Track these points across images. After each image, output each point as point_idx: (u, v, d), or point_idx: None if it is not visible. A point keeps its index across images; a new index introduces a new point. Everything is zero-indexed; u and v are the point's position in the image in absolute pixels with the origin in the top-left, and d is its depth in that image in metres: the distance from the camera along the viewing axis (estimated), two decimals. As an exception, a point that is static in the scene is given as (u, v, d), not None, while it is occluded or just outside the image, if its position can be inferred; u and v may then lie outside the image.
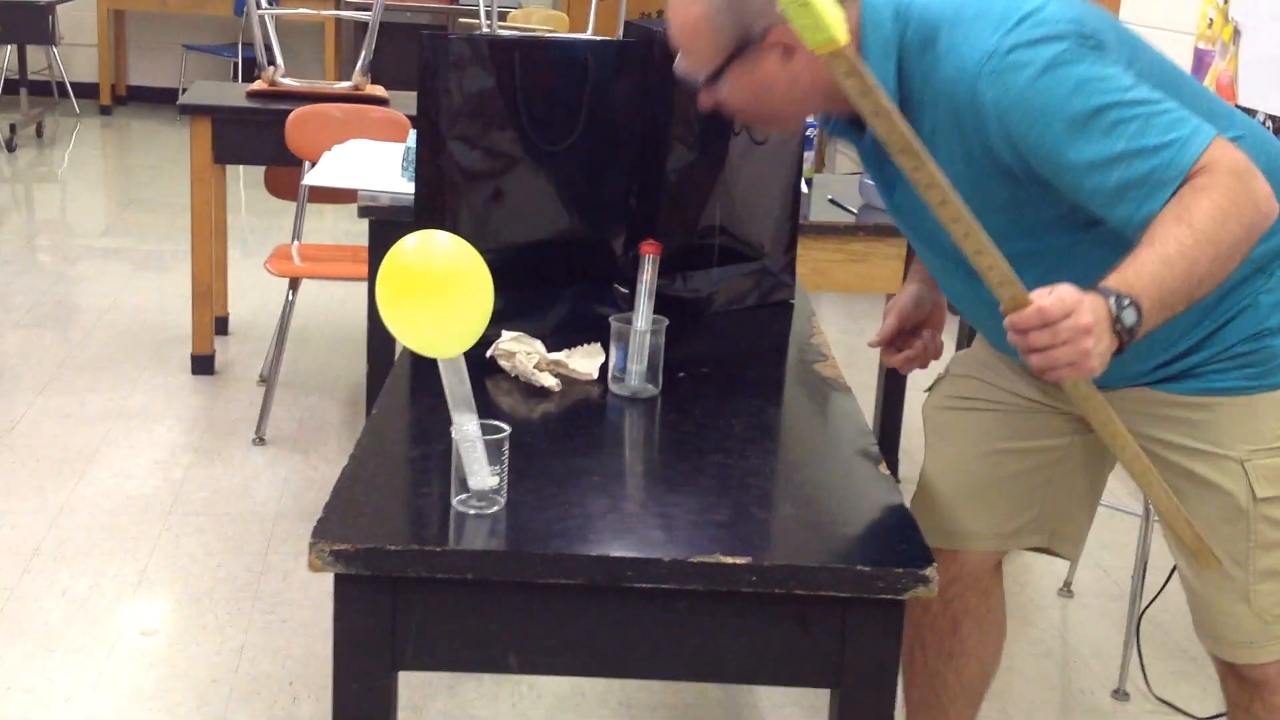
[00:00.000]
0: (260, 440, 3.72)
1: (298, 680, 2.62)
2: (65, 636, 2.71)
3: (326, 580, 2.94)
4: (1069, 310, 1.42)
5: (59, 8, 7.77)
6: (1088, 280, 1.46)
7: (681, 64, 1.72)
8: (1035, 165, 1.57)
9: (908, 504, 1.62)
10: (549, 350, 1.94)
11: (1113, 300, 1.44)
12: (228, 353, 4.41)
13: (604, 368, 1.95)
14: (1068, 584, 3.15)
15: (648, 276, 1.97)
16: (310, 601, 2.90)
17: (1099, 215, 1.57)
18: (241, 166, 6.05)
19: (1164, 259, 1.46)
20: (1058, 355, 1.43)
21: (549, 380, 1.89)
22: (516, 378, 1.91)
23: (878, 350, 2.07)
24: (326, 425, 3.88)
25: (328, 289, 4.95)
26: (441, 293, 1.41)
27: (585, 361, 1.96)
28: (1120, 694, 2.74)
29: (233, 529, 3.21)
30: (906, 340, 2.01)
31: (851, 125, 1.79)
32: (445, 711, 2.55)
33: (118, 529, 3.17)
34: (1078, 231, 1.65)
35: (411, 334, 1.45)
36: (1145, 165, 1.51)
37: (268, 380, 3.89)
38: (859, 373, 4.05)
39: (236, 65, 8.48)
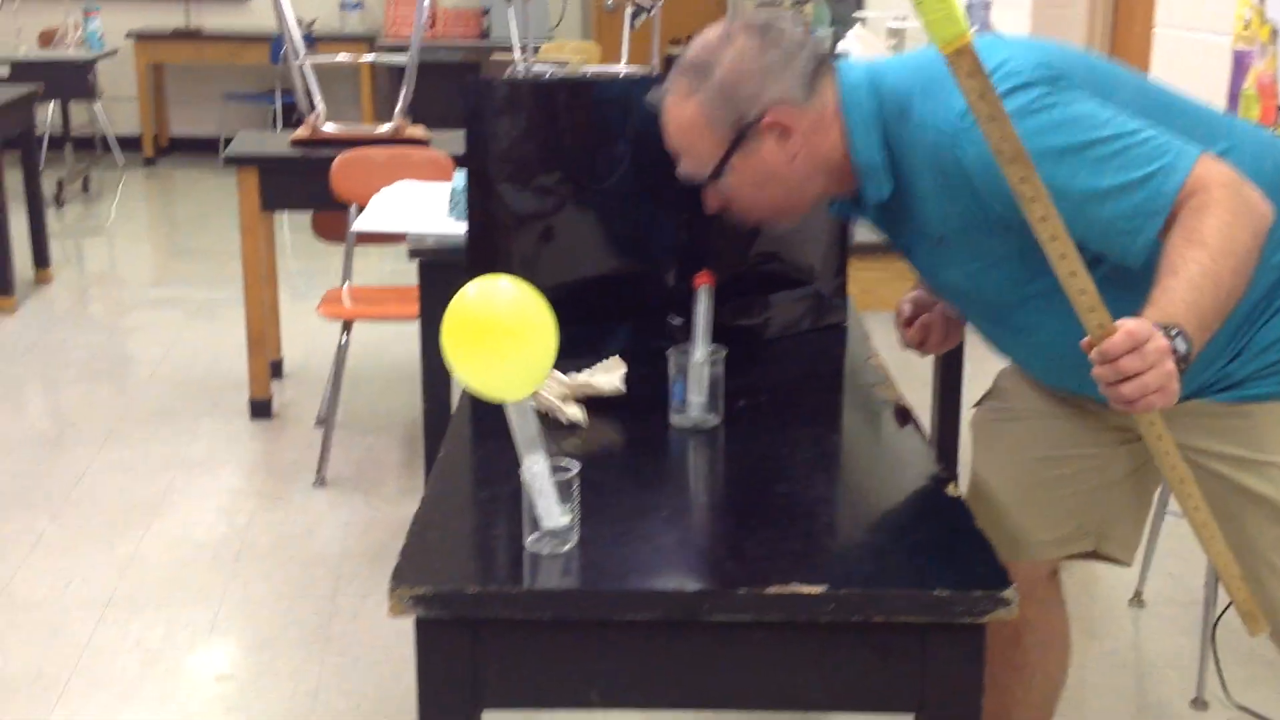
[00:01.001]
0: (321, 482, 3.76)
1: (372, 721, 2.64)
2: (143, 686, 2.75)
3: (395, 620, 2.98)
4: (1149, 334, 1.43)
5: (99, 64, 7.89)
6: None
7: (683, 168, 1.76)
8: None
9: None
10: (565, 373, 1.96)
11: (1161, 333, 1.45)
12: (284, 396, 4.46)
13: (626, 379, 1.98)
14: (1138, 594, 3.12)
15: (703, 307, 1.98)
16: (380, 642, 2.92)
17: (1098, 251, 1.59)
18: (286, 212, 6.12)
19: (1191, 283, 1.49)
20: (1149, 380, 1.44)
21: (576, 414, 1.90)
22: (545, 414, 1.93)
23: (929, 368, 2.10)
24: (385, 465, 3.91)
25: (377, 329, 4.99)
26: (507, 339, 1.43)
27: (608, 377, 1.98)
28: (1199, 703, 2.72)
29: (299, 572, 3.24)
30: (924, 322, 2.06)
31: (854, 204, 1.85)
32: (519, 747, 2.56)
33: (187, 577, 3.21)
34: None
35: (478, 380, 1.46)
36: (1133, 198, 1.56)
37: (325, 422, 3.93)
38: (912, 391, 4.03)
39: (275, 112, 8.58)
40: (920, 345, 2.08)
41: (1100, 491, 1.94)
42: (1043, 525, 1.95)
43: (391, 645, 2.90)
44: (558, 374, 1.96)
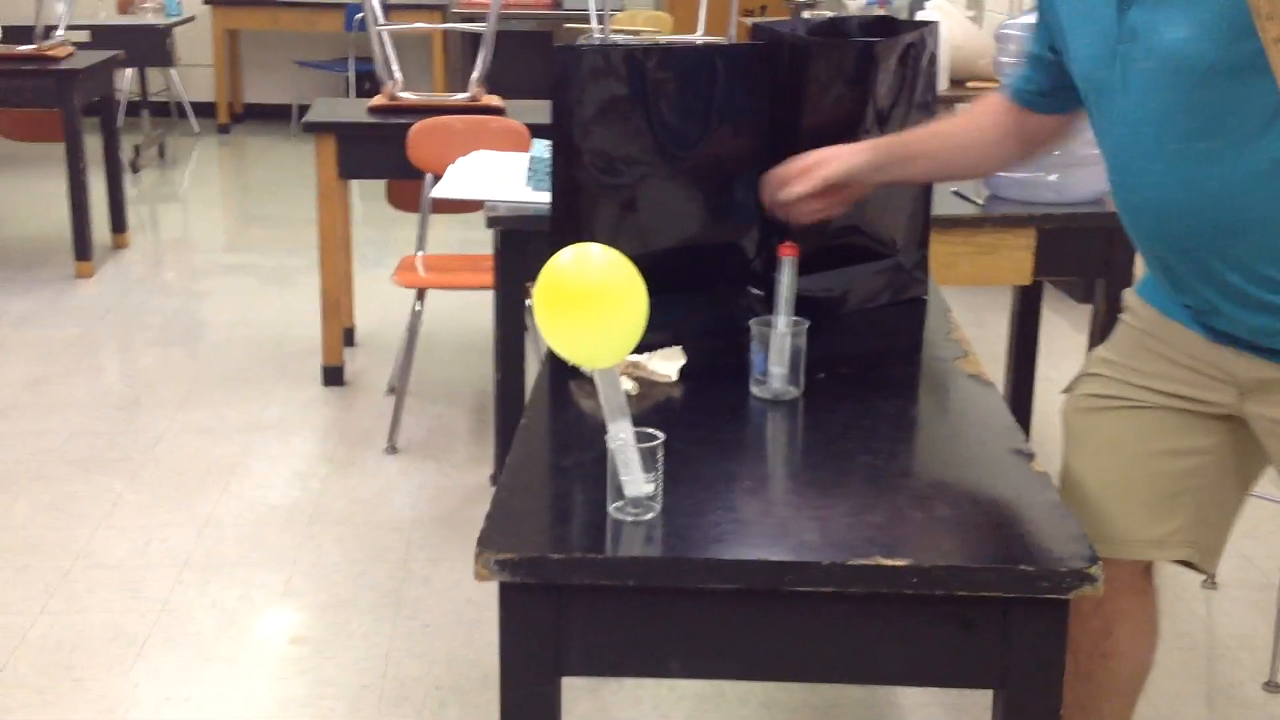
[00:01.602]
0: (393, 449, 3.79)
1: (444, 685, 2.67)
2: (218, 646, 2.79)
3: (466, 585, 3.01)
4: None
5: (175, 29, 7.97)
6: None
7: None
8: None
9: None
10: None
11: None
12: (356, 364, 4.50)
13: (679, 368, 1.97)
14: (1211, 576, 3.09)
15: (786, 279, 1.97)
16: (451, 607, 2.95)
17: None
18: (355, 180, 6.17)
19: None
20: None
21: (627, 384, 1.91)
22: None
23: (1004, 340, 2.04)
24: (455, 433, 3.94)
25: (448, 298, 5.02)
26: (600, 306, 1.43)
27: (665, 364, 1.99)
28: (1272, 685, 2.69)
29: (372, 537, 3.28)
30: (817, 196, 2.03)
31: None
32: (587, 714, 2.58)
33: (262, 539, 3.26)
34: None
35: (569, 346, 1.47)
36: None
37: (397, 390, 3.97)
38: (985, 365, 4.01)
39: (349, 80, 8.62)
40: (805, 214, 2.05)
41: (1204, 492, 1.89)
42: (1147, 523, 1.90)
43: (462, 610, 2.93)
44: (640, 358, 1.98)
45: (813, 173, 2.01)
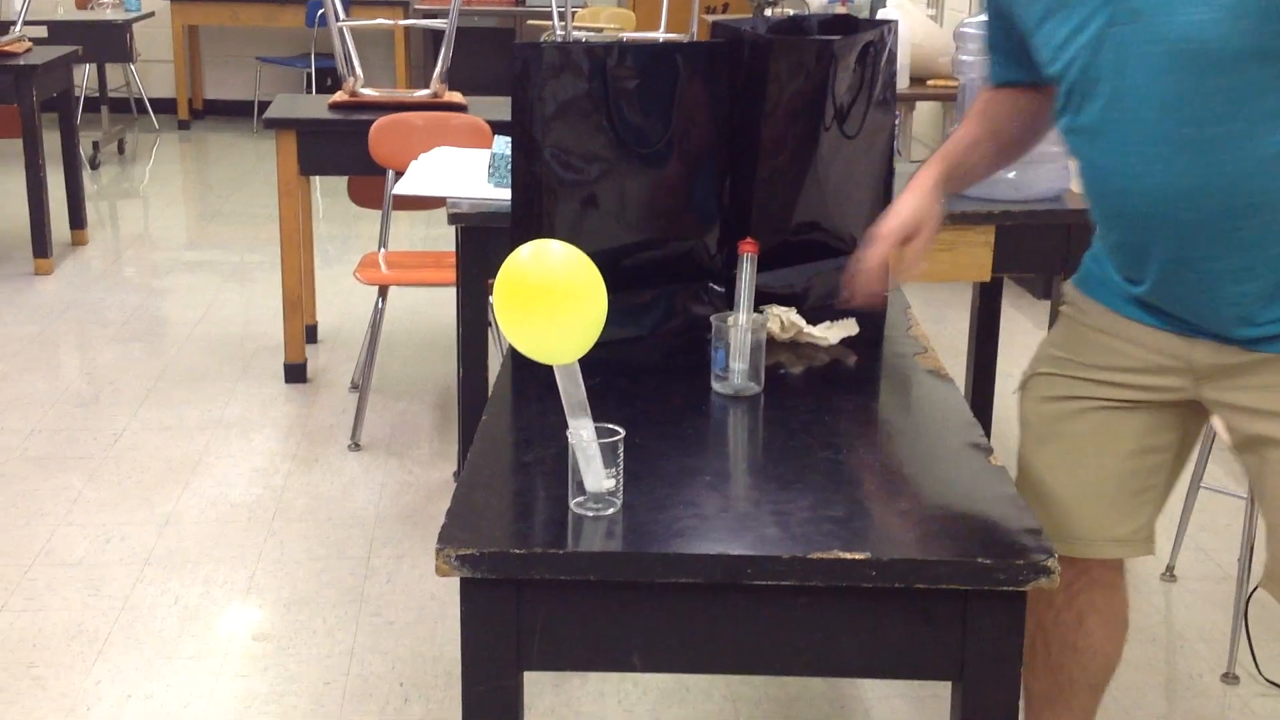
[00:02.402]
0: (355, 446, 3.79)
1: (408, 681, 2.66)
2: (181, 643, 2.78)
3: (429, 582, 3.01)
4: None
5: (135, 25, 7.91)
6: None
7: None
8: None
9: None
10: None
11: None
12: (318, 361, 4.49)
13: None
14: (1170, 568, 3.12)
15: (747, 275, 1.99)
16: (415, 604, 2.95)
17: None
18: (317, 177, 6.15)
19: None
20: None
21: (825, 335, 2.14)
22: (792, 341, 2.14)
23: (964, 337, 2.05)
24: (418, 429, 3.94)
25: (410, 294, 5.01)
26: (560, 302, 1.44)
27: (828, 331, 2.16)
28: (1230, 677, 2.72)
29: (335, 534, 3.27)
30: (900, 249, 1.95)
31: None
32: (552, 709, 2.59)
33: (224, 537, 3.25)
34: None
35: (530, 342, 1.47)
36: None
37: (360, 386, 3.96)
38: (945, 361, 4.04)
39: (310, 76, 8.59)
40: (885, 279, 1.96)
41: (1166, 484, 1.92)
42: (1118, 523, 1.91)
43: (426, 607, 2.93)
44: (792, 311, 2.16)
45: (881, 238, 1.95)
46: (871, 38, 2.26)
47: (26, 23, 5.79)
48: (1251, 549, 2.74)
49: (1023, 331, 4.87)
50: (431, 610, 2.92)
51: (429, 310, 4.99)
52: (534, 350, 1.49)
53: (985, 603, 1.46)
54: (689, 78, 2.17)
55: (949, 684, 1.56)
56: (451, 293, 3.52)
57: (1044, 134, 2.01)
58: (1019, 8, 1.81)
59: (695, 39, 5.64)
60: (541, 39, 5.12)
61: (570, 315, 1.45)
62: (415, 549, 3.20)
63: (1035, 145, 2.07)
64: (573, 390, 1.52)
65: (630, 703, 2.62)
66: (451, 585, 2.92)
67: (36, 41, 5.85)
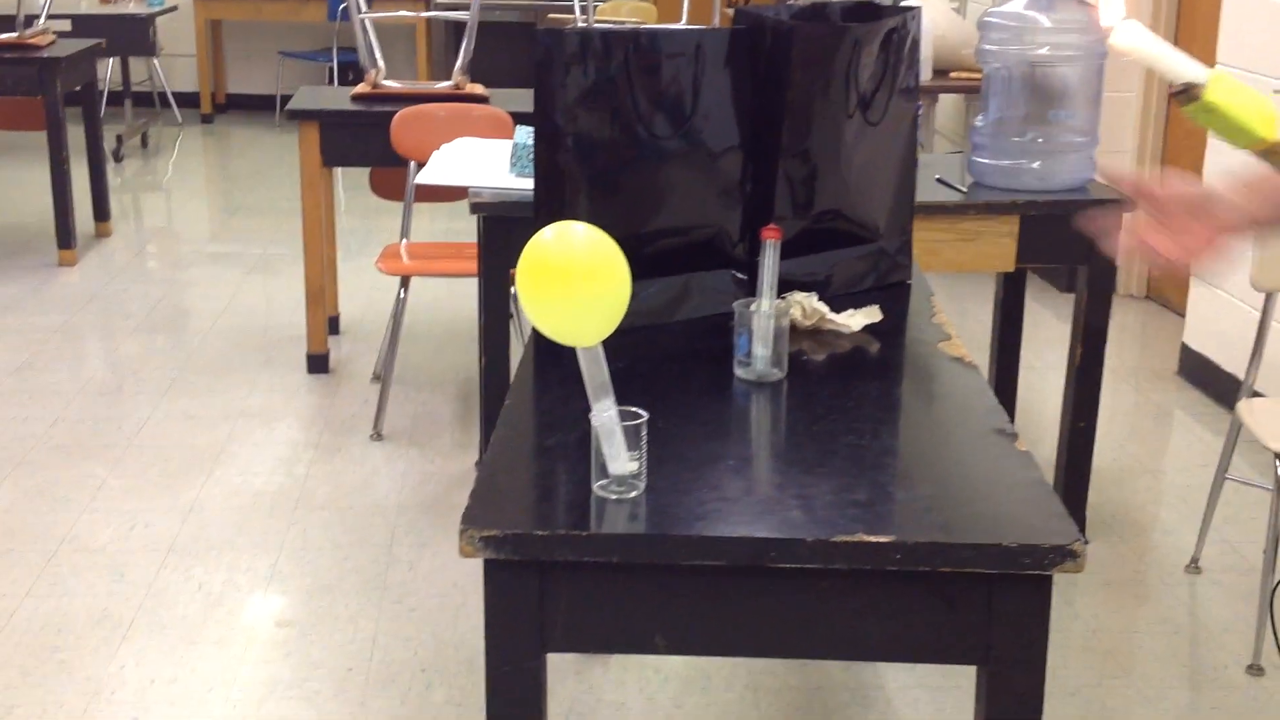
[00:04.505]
0: (377, 436, 3.80)
1: (430, 667, 2.67)
2: (204, 629, 2.80)
3: (451, 570, 3.02)
4: None
5: (158, 19, 7.94)
6: None
7: None
8: None
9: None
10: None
11: None
12: (340, 351, 4.50)
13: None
14: (1195, 560, 3.11)
15: (770, 261, 1.98)
16: (436, 591, 2.96)
17: None
18: (339, 169, 6.17)
19: None
20: None
21: (856, 320, 2.14)
22: (814, 328, 2.12)
23: (986, 330, 2.00)
24: (439, 419, 3.94)
25: (431, 285, 5.02)
26: (583, 283, 1.43)
27: (853, 319, 2.15)
28: (1255, 669, 2.71)
29: (357, 522, 3.28)
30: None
31: None
32: (574, 695, 2.59)
33: (247, 525, 3.26)
34: None
35: (553, 324, 1.47)
36: None
37: (382, 377, 3.97)
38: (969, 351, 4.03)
39: (331, 69, 8.60)
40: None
41: None
42: None
43: (447, 594, 2.94)
44: (814, 298, 2.14)
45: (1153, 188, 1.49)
46: (894, 24, 2.26)
47: (51, 16, 5.82)
48: (1277, 541, 2.73)
49: (1046, 325, 4.85)
50: (453, 598, 2.92)
51: (450, 302, 4.99)
52: (557, 331, 1.49)
53: (1010, 586, 1.46)
54: (711, 64, 2.17)
55: (970, 676, 1.55)
56: (473, 284, 3.53)
57: None
58: None
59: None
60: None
61: (593, 296, 1.45)
62: (437, 537, 3.21)
63: None
64: (596, 372, 1.51)
65: (652, 690, 2.62)
66: (473, 573, 2.94)
67: (61, 35, 5.87)
